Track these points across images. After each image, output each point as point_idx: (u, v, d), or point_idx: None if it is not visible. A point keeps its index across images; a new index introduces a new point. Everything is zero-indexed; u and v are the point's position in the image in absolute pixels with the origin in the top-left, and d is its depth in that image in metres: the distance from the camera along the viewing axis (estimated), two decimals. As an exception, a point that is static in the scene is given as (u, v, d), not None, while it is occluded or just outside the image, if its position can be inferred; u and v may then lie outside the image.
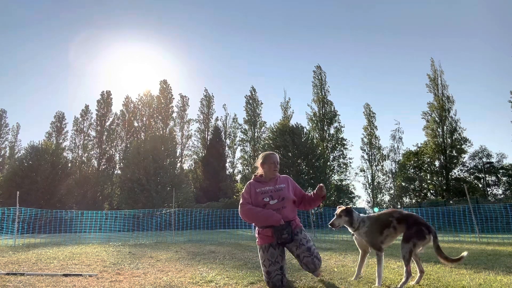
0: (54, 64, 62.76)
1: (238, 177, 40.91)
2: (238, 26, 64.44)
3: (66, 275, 3.64)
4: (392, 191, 35.50)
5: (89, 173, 38.26)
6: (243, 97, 44.14)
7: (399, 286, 2.73)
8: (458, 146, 31.51)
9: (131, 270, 4.00)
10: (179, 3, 63.62)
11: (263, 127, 39.90)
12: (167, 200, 30.65)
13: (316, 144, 32.14)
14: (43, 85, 63.10)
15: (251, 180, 3.28)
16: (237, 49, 65.15)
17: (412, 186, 33.64)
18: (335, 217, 3.10)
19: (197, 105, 44.47)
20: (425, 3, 56.27)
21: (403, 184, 33.53)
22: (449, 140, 31.70)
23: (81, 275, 3.65)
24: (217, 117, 43.66)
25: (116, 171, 39.13)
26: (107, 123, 39.95)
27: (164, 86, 40.54)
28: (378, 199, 36.07)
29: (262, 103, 41.10)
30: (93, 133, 39.67)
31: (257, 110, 40.56)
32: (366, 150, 37.22)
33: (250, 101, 40.83)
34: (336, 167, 35.06)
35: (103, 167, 38.87)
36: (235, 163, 41.88)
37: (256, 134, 39.64)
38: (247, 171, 38.06)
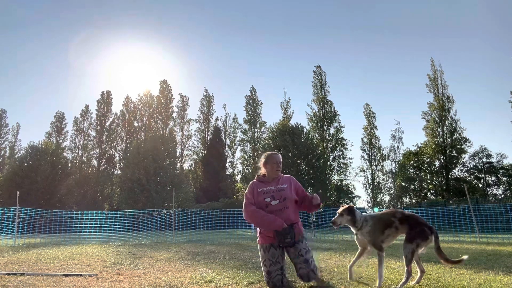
0: (54, 64, 62.82)
1: (238, 177, 40.92)
2: (238, 26, 64.51)
3: (66, 275, 3.64)
4: (392, 191, 35.51)
5: (89, 173, 38.26)
6: (243, 97, 44.19)
7: (399, 286, 2.73)
8: (458, 146, 31.52)
9: (131, 270, 4.00)
10: (179, 3, 63.67)
11: (263, 127, 39.91)
12: (167, 200, 30.64)
13: (316, 144, 32.15)
14: (43, 85, 63.17)
15: (254, 180, 3.27)
16: (237, 49, 65.22)
17: (412, 186, 33.65)
18: (337, 215, 3.08)
19: (197, 105, 44.52)
20: (425, 3, 56.32)
21: (403, 184, 33.53)
22: (449, 140, 31.72)
23: (81, 275, 3.65)
24: (217, 117, 43.71)
25: (116, 171, 39.14)
26: (107, 123, 39.97)
27: (164, 86, 40.55)
28: (378, 199, 36.09)
29: (262, 103, 41.14)
30: (93, 133, 39.72)
31: (257, 110, 40.56)
32: (366, 150, 37.25)
33: (250, 101, 40.82)
34: (336, 167, 35.07)
35: (103, 167, 38.87)
36: (235, 163, 41.92)
37: (256, 134, 39.65)
38: (247, 171, 38.07)
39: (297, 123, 32.31)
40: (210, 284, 3.09)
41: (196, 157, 41.88)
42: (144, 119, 39.25)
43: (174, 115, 40.55)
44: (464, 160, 32.17)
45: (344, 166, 35.26)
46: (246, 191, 3.20)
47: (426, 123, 33.16)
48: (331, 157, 35.03)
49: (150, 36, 65.68)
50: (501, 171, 31.04)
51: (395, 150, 35.76)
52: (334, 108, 36.97)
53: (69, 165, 37.06)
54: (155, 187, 31.01)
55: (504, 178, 31.17)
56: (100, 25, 60.17)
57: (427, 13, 56.31)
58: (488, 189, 30.59)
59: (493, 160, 31.16)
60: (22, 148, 40.44)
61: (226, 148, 41.73)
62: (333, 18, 61.26)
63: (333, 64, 61.70)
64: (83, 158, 39.03)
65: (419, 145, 33.97)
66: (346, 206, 3.09)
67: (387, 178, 36.27)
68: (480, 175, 31.38)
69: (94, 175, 37.75)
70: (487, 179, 31.30)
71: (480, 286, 2.86)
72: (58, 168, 33.83)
